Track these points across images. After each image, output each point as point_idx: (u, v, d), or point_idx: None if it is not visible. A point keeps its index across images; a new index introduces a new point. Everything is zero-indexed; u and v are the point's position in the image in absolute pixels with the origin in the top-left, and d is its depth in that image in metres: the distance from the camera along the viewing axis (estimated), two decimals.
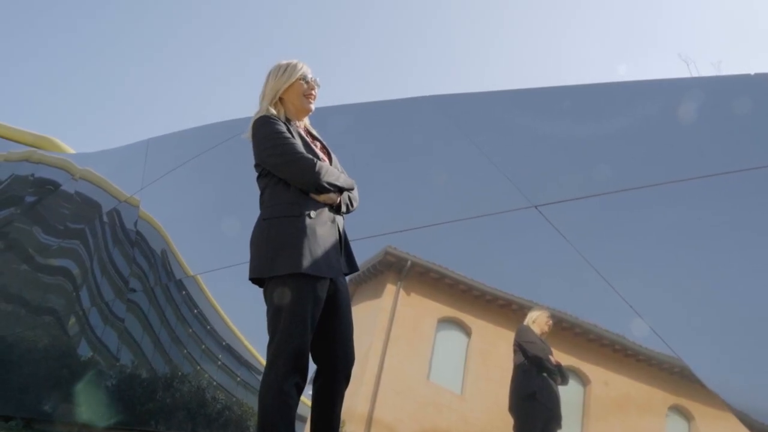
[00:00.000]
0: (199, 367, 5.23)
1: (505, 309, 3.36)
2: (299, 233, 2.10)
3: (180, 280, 5.79)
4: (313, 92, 2.42)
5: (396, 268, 3.80)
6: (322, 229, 2.16)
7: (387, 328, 3.58)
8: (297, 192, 2.19)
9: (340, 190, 2.29)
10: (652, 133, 3.14)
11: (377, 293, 3.79)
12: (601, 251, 2.99)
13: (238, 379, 4.81)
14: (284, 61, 2.43)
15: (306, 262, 2.05)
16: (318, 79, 2.45)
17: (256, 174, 2.35)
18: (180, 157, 6.40)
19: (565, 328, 3.10)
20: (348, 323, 2.24)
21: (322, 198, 2.22)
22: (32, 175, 9.07)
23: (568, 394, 2.92)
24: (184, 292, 5.65)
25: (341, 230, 2.29)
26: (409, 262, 3.77)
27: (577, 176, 3.26)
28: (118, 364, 5.99)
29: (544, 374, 3.03)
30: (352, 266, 2.32)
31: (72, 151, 9.03)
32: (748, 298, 2.56)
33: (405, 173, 4.19)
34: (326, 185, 2.20)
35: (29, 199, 9.06)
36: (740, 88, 2.99)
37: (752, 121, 2.83)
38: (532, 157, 3.54)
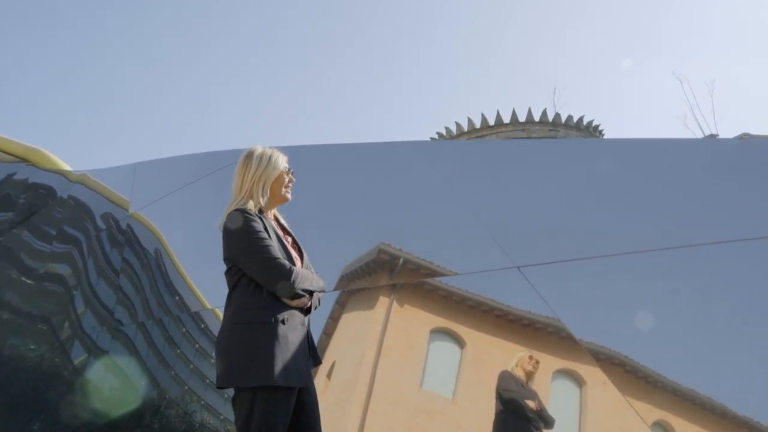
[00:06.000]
0: (186, 387, 5.11)
1: (501, 319, 3.30)
2: (271, 341, 2.09)
3: (171, 288, 5.75)
4: (292, 183, 2.47)
5: (389, 266, 3.76)
6: (293, 334, 2.17)
7: (379, 339, 3.51)
8: (269, 295, 2.18)
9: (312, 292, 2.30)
10: (638, 199, 3.16)
11: (370, 304, 3.75)
12: (580, 315, 2.97)
13: (225, 396, 4.69)
14: (260, 149, 2.44)
15: (279, 373, 2.05)
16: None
17: (225, 267, 2.32)
18: (167, 185, 6.40)
19: (563, 337, 3.04)
20: (315, 418, 2.26)
21: (295, 303, 2.22)
22: (27, 179, 9.02)
23: (564, 396, 2.85)
24: (176, 315, 5.58)
25: (308, 329, 2.31)
26: (401, 259, 3.73)
27: (562, 238, 3.25)
28: (107, 387, 5.86)
29: (524, 422, 2.95)
30: (316, 360, 2.35)
31: (62, 163, 8.95)
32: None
33: (386, 221, 4.17)
34: (301, 293, 2.21)
35: (22, 201, 8.95)
36: (728, 152, 3.06)
37: (739, 189, 2.87)
38: (518, 215, 3.53)
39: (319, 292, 2.35)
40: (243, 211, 2.25)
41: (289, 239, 2.43)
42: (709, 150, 3.27)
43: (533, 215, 3.45)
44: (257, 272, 2.18)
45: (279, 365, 2.06)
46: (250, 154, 2.41)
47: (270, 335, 2.10)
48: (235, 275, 2.25)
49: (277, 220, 2.46)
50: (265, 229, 2.25)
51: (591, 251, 3.04)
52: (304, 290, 2.23)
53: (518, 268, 3.15)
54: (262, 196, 2.36)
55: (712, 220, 2.85)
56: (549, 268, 3.10)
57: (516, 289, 3.14)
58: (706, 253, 2.72)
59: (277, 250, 2.21)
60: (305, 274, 2.25)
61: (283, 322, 2.14)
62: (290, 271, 2.16)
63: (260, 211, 2.33)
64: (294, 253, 2.36)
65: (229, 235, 2.26)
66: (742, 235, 2.66)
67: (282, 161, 2.43)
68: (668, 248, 2.82)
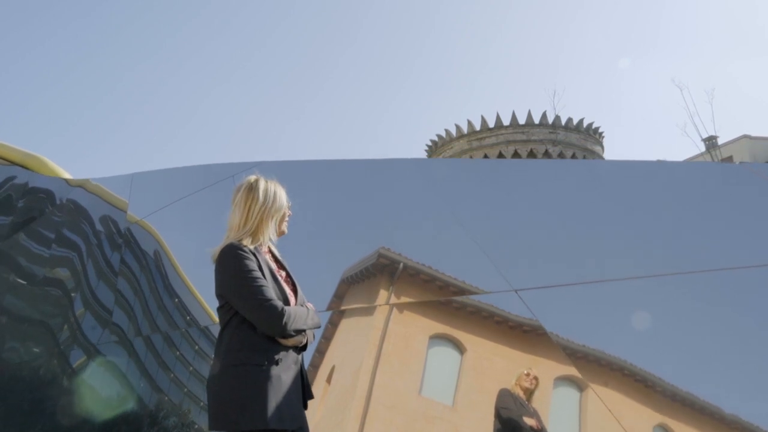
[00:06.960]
0: (186, 390, 5.09)
1: (501, 326, 3.28)
2: (264, 384, 2.07)
3: (168, 304, 5.73)
4: (290, 216, 2.45)
5: (388, 270, 3.75)
6: (286, 375, 2.14)
7: (378, 345, 3.50)
8: (262, 336, 2.15)
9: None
10: (638, 224, 3.13)
11: (369, 310, 3.73)
12: (579, 327, 2.96)
13: None
14: (262, 181, 2.37)
15: (273, 416, 2.03)
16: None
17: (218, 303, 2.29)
18: (166, 196, 6.37)
19: (564, 344, 3.03)
20: None
21: (290, 342, 2.19)
22: (26, 183, 9.01)
23: (565, 401, 2.84)
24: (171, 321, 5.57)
25: (301, 365, 2.28)
26: (401, 265, 3.72)
27: (560, 262, 3.22)
28: (105, 392, 5.84)
29: None
30: (308, 396, 2.31)
31: (61, 170, 8.93)
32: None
33: (386, 228, 4.14)
34: (293, 333, 2.18)
35: (21, 205, 8.93)
36: (730, 178, 3.04)
37: (741, 216, 2.87)
38: (516, 237, 3.49)
39: (314, 329, 2.32)
40: (237, 248, 2.20)
41: (283, 274, 2.38)
42: (712, 174, 3.25)
43: (531, 237, 3.42)
44: (250, 313, 2.15)
45: (272, 408, 2.03)
46: (253, 187, 2.32)
47: (263, 377, 2.07)
48: (228, 313, 2.22)
49: (271, 252, 2.41)
50: (260, 266, 2.21)
51: (589, 276, 3.04)
52: (298, 331, 2.20)
53: (516, 291, 3.13)
54: (272, 234, 2.33)
55: (711, 247, 2.85)
56: (547, 291, 3.08)
57: (514, 309, 3.12)
58: (705, 279, 2.72)
59: (270, 290, 2.17)
60: (299, 313, 2.21)
61: (276, 363, 2.11)
62: (281, 313, 2.12)
63: (255, 247, 2.28)
64: (288, 289, 2.31)
65: (222, 272, 2.22)
66: (741, 263, 2.66)
67: (285, 197, 2.39)
68: (669, 274, 2.82)
